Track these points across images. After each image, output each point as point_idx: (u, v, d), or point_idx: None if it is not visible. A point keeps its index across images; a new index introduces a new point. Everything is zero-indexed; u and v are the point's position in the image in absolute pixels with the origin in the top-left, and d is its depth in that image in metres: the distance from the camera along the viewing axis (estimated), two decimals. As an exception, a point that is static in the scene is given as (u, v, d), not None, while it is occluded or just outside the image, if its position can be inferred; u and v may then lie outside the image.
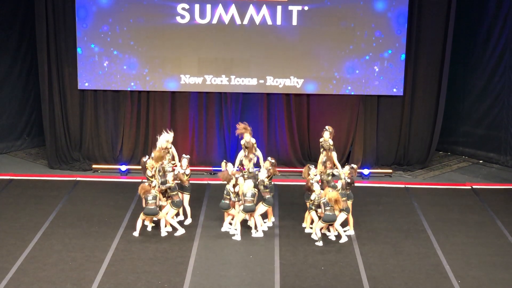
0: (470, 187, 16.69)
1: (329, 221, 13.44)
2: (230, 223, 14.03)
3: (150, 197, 13.54)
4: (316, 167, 14.32)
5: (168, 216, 13.79)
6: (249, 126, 14.58)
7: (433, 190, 16.54)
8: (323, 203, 13.38)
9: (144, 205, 13.70)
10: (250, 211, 13.70)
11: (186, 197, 14.29)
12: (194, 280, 11.96)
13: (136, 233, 13.62)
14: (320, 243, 13.39)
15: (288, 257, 12.88)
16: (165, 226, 13.82)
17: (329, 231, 13.73)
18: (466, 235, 13.96)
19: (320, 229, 13.58)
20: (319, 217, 13.55)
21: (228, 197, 13.85)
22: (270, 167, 14.04)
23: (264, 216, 14.18)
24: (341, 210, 13.45)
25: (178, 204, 13.81)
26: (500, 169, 18.17)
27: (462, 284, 11.99)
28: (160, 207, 13.72)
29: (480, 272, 12.42)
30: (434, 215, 14.93)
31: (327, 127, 14.72)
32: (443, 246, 13.40)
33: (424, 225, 14.40)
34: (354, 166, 13.99)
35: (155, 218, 13.94)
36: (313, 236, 13.61)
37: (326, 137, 14.59)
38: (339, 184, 13.79)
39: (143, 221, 13.76)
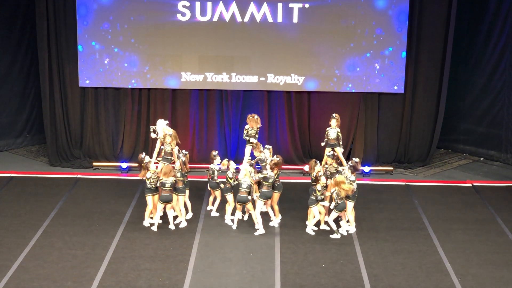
0: (470, 185, 16.69)
1: (342, 210, 13.57)
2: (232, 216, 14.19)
3: (168, 184, 13.59)
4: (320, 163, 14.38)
5: (180, 204, 14.01)
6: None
7: (433, 188, 16.54)
8: (336, 194, 13.42)
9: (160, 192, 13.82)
10: (243, 202, 13.75)
11: (186, 192, 14.31)
12: (194, 278, 11.96)
13: (155, 227, 13.80)
14: (338, 235, 13.51)
15: (289, 254, 12.88)
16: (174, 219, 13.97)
17: (339, 226, 13.80)
18: (466, 233, 13.96)
19: (334, 219, 13.70)
20: (330, 210, 13.60)
21: (228, 182, 14.06)
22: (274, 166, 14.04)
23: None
24: (347, 197, 13.52)
25: (182, 191, 13.89)
26: (501, 167, 18.17)
27: (463, 281, 11.99)
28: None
29: (481, 270, 12.42)
30: (434, 213, 14.93)
31: (334, 114, 15.08)
32: (443, 244, 13.41)
33: (424, 223, 14.40)
34: (357, 160, 14.06)
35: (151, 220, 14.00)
36: (323, 227, 13.72)
37: (333, 125, 14.91)
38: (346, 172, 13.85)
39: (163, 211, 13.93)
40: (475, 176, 17.44)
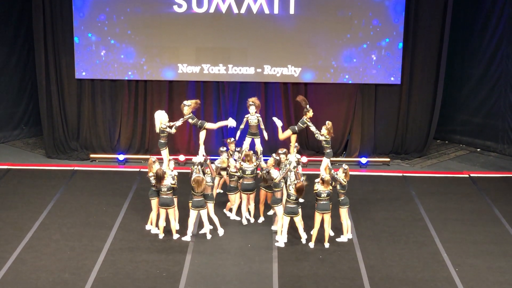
0: (467, 176, 16.72)
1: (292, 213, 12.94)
2: (230, 210, 14.16)
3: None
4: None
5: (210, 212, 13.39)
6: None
7: (430, 179, 16.56)
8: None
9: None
10: (249, 190, 13.71)
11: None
12: (192, 269, 11.98)
13: (188, 237, 13.06)
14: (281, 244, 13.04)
15: (286, 245, 12.89)
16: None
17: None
18: (463, 223, 14.00)
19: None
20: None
21: (233, 179, 13.93)
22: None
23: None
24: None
25: (211, 197, 13.32)
26: (498, 157, 18.19)
27: (460, 272, 12.03)
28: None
29: (478, 260, 12.46)
30: (431, 204, 14.95)
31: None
32: (440, 235, 13.43)
33: (421, 214, 14.43)
34: (346, 167, 13.16)
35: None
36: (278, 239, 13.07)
37: (323, 132, 13.93)
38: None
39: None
40: (472, 167, 17.46)
